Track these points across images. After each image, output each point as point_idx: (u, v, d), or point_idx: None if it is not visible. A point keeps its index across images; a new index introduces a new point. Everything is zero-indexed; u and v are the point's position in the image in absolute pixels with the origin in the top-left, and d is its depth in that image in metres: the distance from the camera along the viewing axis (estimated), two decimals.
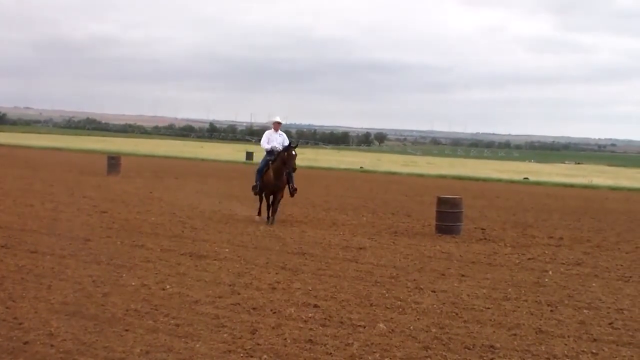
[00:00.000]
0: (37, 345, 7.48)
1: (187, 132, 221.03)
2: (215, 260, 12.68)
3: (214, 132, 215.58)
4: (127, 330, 8.13)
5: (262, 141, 18.85)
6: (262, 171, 18.36)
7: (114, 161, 35.01)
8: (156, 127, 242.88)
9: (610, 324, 9.34)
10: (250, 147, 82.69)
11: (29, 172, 32.39)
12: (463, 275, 12.27)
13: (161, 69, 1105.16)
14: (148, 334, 8.00)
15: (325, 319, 9.01)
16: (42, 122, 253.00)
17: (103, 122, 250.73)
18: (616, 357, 7.91)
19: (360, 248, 14.79)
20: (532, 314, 9.70)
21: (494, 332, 8.72)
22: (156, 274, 11.24)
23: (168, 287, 10.35)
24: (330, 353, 7.64)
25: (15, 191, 22.91)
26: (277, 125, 18.84)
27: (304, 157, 70.65)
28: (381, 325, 8.77)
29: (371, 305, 9.86)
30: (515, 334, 8.64)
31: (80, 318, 8.55)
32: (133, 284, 10.47)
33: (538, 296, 10.85)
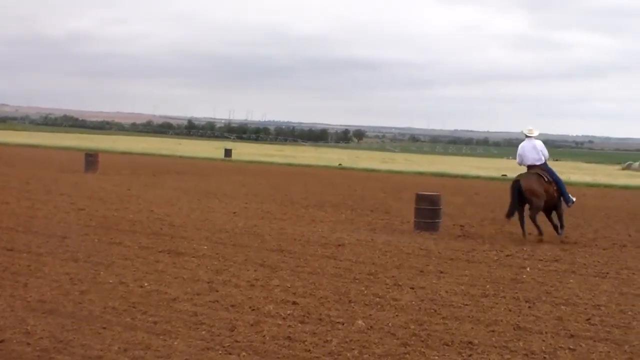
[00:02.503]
0: (13, 343, 7.43)
1: (165, 129, 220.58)
2: (193, 257, 12.64)
3: (192, 129, 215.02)
4: (104, 328, 8.09)
5: None
6: None
7: (91, 158, 34.80)
8: (134, 124, 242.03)
9: (587, 320, 9.39)
10: (229, 144, 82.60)
11: (5, 169, 32.14)
12: (441, 272, 12.31)
13: (139, 65, 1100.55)
14: (126, 332, 7.97)
15: (304, 315, 9.01)
16: (18, 119, 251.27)
17: (80, 119, 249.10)
18: (593, 353, 7.95)
19: (339, 245, 14.79)
20: (510, 311, 9.74)
21: (472, 328, 8.75)
22: (134, 271, 11.19)
23: (146, 284, 10.32)
24: (309, 350, 7.64)
25: None
26: None
27: (283, 154, 70.67)
28: (360, 322, 8.77)
29: (350, 302, 9.86)
30: (493, 330, 8.67)
31: (57, 316, 8.50)
32: (111, 281, 10.43)
33: (516, 292, 10.90)
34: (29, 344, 7.43)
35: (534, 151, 17.17)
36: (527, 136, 17.31)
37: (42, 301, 9.16)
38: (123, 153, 59.77)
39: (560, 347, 8.12)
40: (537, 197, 16.59)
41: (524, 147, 17.32)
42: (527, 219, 16.75)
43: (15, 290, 9.63)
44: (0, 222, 15.51)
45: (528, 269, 12.92)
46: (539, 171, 16.99)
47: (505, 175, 53.31)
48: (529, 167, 17.21)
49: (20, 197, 20.53)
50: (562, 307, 10.09)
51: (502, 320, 9.17)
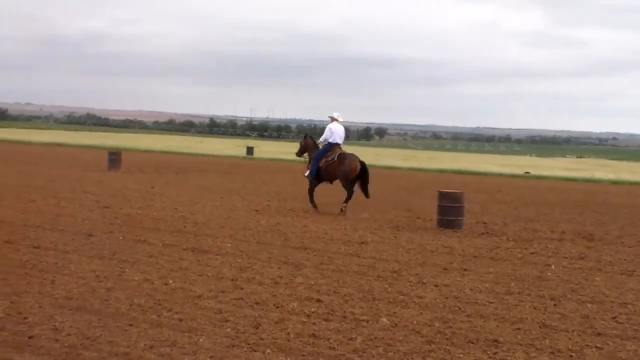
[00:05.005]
0: (41, 339, 7.51)
1: (187, 127, 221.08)
2: (217, 255, 12.69)
3: (214, 127, 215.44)
4: (130, 324, 8.15)
5: None
6: None
7: (114, 156, 34.97)
8: (156, 122, 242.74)
9: (614, 318, 9.35)
10: (251, 142, 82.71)
11: (31, 168, 32.40)
12: (465, 270, 12.28)
13: (161, 64, 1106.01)
14: (152, 329, 8.02)
15: (328, 313, 9.02)
16: (42, 118, 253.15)
17: (103, 117, 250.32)
18: (620, 351, 7.91)
19: (362, 242, 14.79)
20: (535, 308, 9.71)
21: (498, 326, 8.73)
22: (159, 268, 11.26)
23: (171, 282, 10.37)
24: (334, 347, 7.65)
25: (17, 187, 22.91)
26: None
27: None
28: (384, 319, 8.78)
29: (374, 299, 9.87)
30: (518, 328, 8.65)
31: (84, 313, 8.57)
32: (136, 278, 10.49)
33: (541, 290, 10.86)
34: (57, 340, 7.50)
35: (342, 132, 20.57)
36: (333, 119, 20.49)
37: (69, 298, 9.24)
38: (146, 151, 59.98)
39: (587, 345, 8.08)
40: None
41: (336, 128, 20.39)
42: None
43: (42, 287, 9.72)
44: (27, 220, 15.63)
45: (553, 267, 12.86)
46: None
47: (528, 172, 53.10)
48: (336, 145, 20.28)
49: (46, 196, 20.68)
50: (589, 305, 10.04)
51: (527, 318, 9.14)
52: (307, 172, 20.59)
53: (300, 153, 21.94)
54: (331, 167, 19.95)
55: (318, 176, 20.34)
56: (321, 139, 20.83)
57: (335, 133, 20.30)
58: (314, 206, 20.28)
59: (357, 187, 20.09)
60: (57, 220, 15.85)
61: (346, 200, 19.90)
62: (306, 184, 21.10)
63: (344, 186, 20.00)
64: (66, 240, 13.41)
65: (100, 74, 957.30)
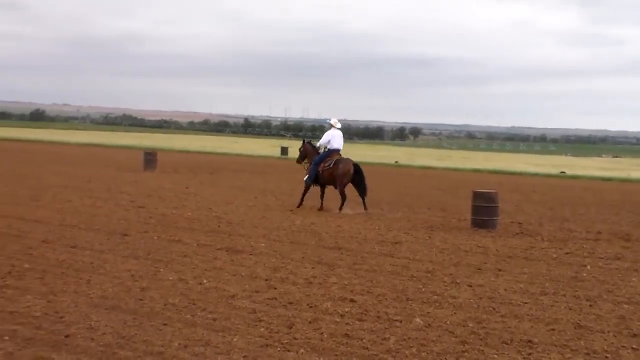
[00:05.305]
0: (77, 338, 7.59)
1: (222, 127, 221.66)
2: (251, 254, 12.74)
3: (248, 128, 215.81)
4: (165, 324, 8.21)
5: None
6: None
7: (150, 157, 35.21)
8: (191, 123, 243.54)
9: None
10: (285, 142, 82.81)
11: (68, 168, 32.76)
12: (500, 270, 12.22)
13: (197, 64, 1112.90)
14: (186, 328, 8.07)
15: (361, 313, 9.02)
16: (79, 119, 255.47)
17: (139, 118, 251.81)
18: None
19: (396, 242, 14.77)
20: (570, 309, 9.64)
21: (532, 326, 8.67)
22: (193, 268, 11.32)
23: (205, 281, 10.43)
24: (367, 347, 7.65)
25: (55, 187, 23.18)
26: None
27: None
28: (418, 319, 8.76)
29: (407, 299, 9.85)
30: (553, 329, 8.59)
31: (120, 312, 8.66)
32: (171, 278, 10.57)
33: (576, 291, 10.77)
34: (92, 339, 7.58)
35: (340, 139, 21.12)
36: (332, 126, 21.09)
37: (105, 297, 9.33)
38: (181, 151, 60.31)
39: (623, 346, 8.01)
40: None
41: (334, 134, 20.95)
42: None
43: (78, 287, 9.82)
44: (63, 220, 15.81)
45: (588, 267, 12.75)
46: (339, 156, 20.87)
47: (564, 172, 52.65)
48: (334, 151, 20.84)
49: (82, 196, 20.89)
50: (625, 305, 9.95)
51: (562, 319, 9.08)
52: (306, 177, 21.11)
53: (301, 159, 22.33)
54: (327, 172, 20.51)
55: (317, 180, 20.90)
56: (319, 144, 21.38)
57: (334, 139, 20.90)
58: (300, 204, 20.82)
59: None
60: (93, 220, 16.01)
61: (340, 207, 20.32)
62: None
63: (340, 192, 20.47)
64: (102, 240, 13.54)
65: (137, 74, 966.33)
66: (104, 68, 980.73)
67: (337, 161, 20.47)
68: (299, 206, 20.66)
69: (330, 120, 21.29)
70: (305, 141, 22.46)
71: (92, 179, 26.98)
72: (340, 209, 20.20)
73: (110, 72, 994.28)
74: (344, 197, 20.38)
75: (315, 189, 21.17)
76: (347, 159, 20.69)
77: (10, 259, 11.46)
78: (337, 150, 20.92)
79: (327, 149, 20.98)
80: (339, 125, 21.23)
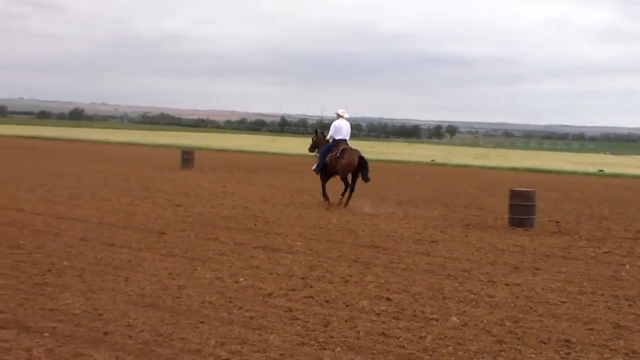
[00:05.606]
0: (116, 336, 7.67)
1: (258, 126, 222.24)
2: (287, 253, 12.77)
3: (285, 126, 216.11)
4: (202, 322, 8.26)
5: None
6: None
7: (187, 156, 35.42)
8: (228, 122, 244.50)
9: None
10: None
11: (106, 167, 33.06)
12: (537, 269, 12.13)
13: (233, 64, 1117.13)
14: (223, 326, 8.12)
15: (398, 312, 9.01)
16: (117, 118, 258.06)
17: (176, 117, 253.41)
18: None
19: (433, 241, 14.73)
20: (609, 309, 9.55)
21: (570, 326, 8.61)
22: (230, 266, 11.38)
23: (242, 279, 10.48)
24: (404, 346, 7.64)
25: (93, 186, 23.41)
26: None
27: (375, 150, 70.63)
28: (454, 318, 8.73)
29: (444, 298, 9.82)
30: (592, 329, 8.52)
31: (157, 310, 8.73)
32: (207, 276, 10.63)
33: (615, 290, 10.66)
34: (130, 336, 7.65)
35: (347, 129, 21.34)
36: (339, 116, 21.31)
37: (143, 295, 9.41)
38: (218, 150, 60.64)
39: None
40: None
41: (341, 124, 21.20)
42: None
43: (117, 285, 9.92)
44: (102, 218, 15.97)
45: (627, 267, 12.62)
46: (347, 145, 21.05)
47: (602, 170, 52.10)
48: (341, 140, 21.07)
49: (120, 194, 21.08)
50: None
51: (601, 319, 8.99)
52: (315, 166, 21.73)
53: (312, 148, 23.02)
54: (334, 162, 20.85)
55: (325, 170, 21.32)
56: (328, 136, 21.65)
57: (340, 129, 21.22)
58: (326, 199, 21.10)
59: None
60: (131, 219, 16.15)
61: (343, 193, 20.86)
62: (325, 182, 21.59)
63: (342, 179, 20.81)
64: (139, 238, 13.66)
65: (174, 74, 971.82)
66: (141, 68, 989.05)
67: (343, 150, 20.78)
68: (326, 200, 21.10)
69: (338, 110, 21.57)
70: (318, 131, 22.99)
71: (130, 178, 27.21)
72: (342, 195, 20.77)
73: (147, 71, 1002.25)
74: (346, 185, 20.75)
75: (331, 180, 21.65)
76: (354, 149, 20.87)
77: (49, 256, 11.61)
78: (343, 140, 21.19)
79: (333, 139, 21.34)
80: (346, 116, 21.56)
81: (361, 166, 20.39)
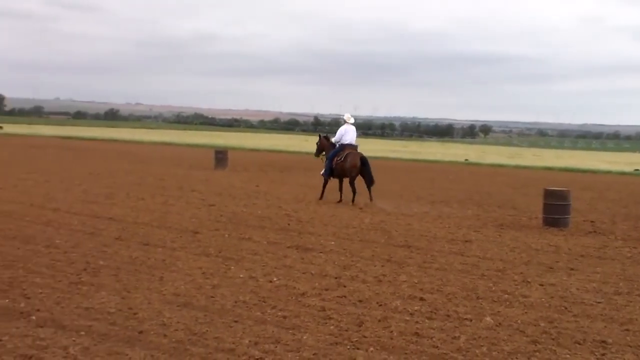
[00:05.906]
0: (150, 334, 7.72)
1: (292, 125, 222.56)
2: (321, 253, 12.78)
3: (318, 126, 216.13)
4: (236, 321, 8.30)
5: None
6: None
7: (221, 155, 35.54)
8: (262, 121, 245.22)
9: None
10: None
11: (141, 167, 33.30)
12: (572, 269, 12.04)
13: (267, 64, 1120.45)
14: (256, 325, 8.15)
15: (431, 311, 8.99)
16: (152, 118, 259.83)
17: (210, 116, 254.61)
18: None
19: (466, 241, 14.67)
20: None
21: (606, 327, 8.53)
22: (263, 266, 11.41)
23: (275, 279, 10.51)
24: (437, 346, 7.62)
25: (128, 185, 23.60)
26: None
27: (408, 149, 70.43)
28: (488, 318, 8.70)
29: (478, 298, 9.79)
30: (628, 329, 8.44)
31: (191, 309, 8.78)
32: (241, 276, 10.67)
33: None
34: (165, 335, 7.71)
35: (353, 134, 21.96)
36: (346, 122, 21.99)
37: (177, 294, 9.47)
38: (251, 150, 60.79)
39: None
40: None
41: (347, 129, 21.84)
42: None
43: (151, 284, 9.99)
44: (136, 218, 16.09)
45: None
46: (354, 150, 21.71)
47: (638, 169, 51.52)
48: (347, 145, 21.67)
49: (155, 194, 21.23)
50: None
51: (637, 319, 8.91)
52: (322, 171, 22.34)
53: (318, 153, 23.44)
54: (340, 166, 21.57)
55: (332, 174, 21.99)
56: (334, 139, 22.29)
57: (346, 134, 21.86)
58: (321, 197, 21.96)
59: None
60: (165, 218, 16.26)
61: (352, 199, 21.28)
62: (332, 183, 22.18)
63: (349, 183, 21.33)
64: (174, 238, 13.74)
65: (208, 74, 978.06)
66: (175, 68, 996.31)
67: (346, 155, 21.40)
68: (320, 198, 21.81)
69: (344, 115, 22.20)
70: (322, 136, 23.56)
71: (165, 178, 27.38)
72: (353, 201, 21.10)
73: (181, 72, 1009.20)
74: (354, 190, 21.29)
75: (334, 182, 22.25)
76: (356, 152, 21.54)
77: (85, 256, 11.72)
78: (349, 145, 21.78)
79: (340, 144, 21.91)
80: (352, 121, 22.10)
81: (364, 164, 21.21)
